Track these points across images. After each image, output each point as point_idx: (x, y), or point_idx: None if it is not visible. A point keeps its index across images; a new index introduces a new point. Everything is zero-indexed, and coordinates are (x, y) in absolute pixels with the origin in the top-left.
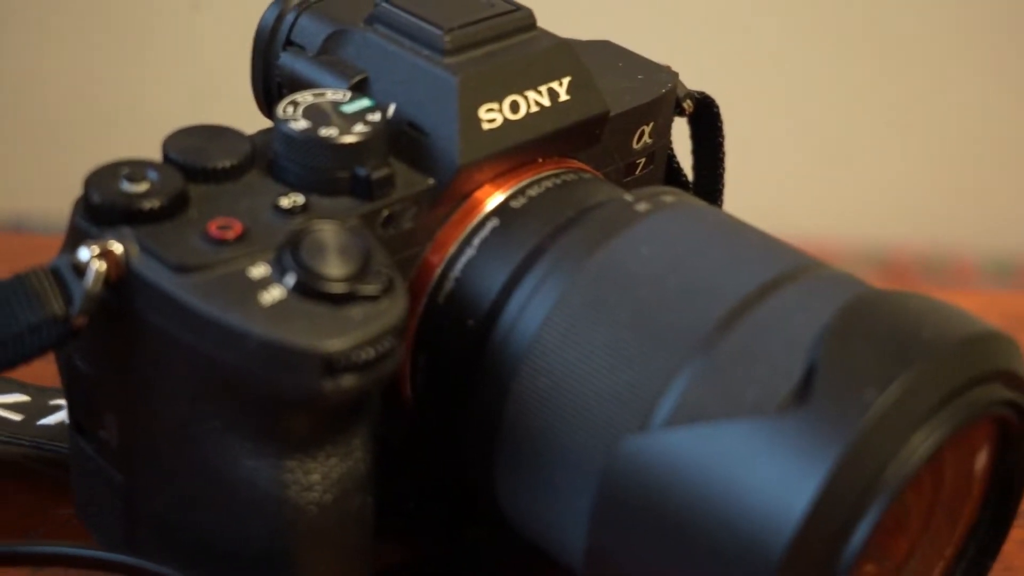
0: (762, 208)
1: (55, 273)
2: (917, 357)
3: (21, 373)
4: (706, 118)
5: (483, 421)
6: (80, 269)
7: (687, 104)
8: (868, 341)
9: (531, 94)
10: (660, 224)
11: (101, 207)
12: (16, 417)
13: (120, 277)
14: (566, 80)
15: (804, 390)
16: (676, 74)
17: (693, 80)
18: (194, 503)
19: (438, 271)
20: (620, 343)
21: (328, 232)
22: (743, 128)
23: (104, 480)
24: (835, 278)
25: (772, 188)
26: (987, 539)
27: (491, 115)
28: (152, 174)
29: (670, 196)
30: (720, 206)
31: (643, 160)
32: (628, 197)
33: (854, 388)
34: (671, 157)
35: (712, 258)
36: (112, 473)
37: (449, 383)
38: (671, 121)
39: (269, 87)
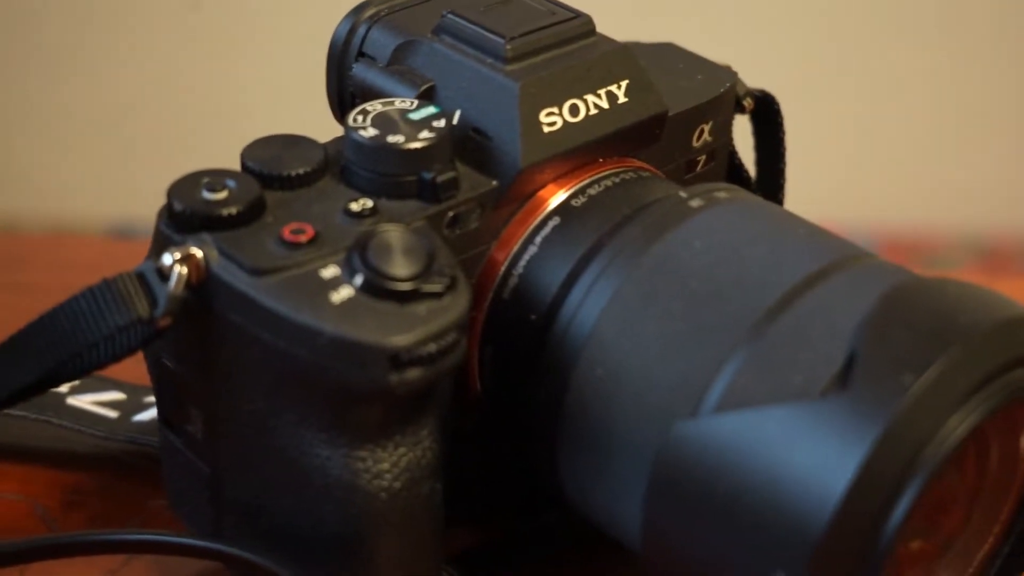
0: (845, 202)
1: (140, 277)
2: (953, 341)
3: (117, 372)
4: (767, 115)
5: (546, 410)
6: (164, 273)
7: (747, 102)
8: (907, 327)
9: (590, 97)
10: (712, 219)
11: (183, 214)
12: (113, 414)
13: (201, 280)
14: (624, 83)
15: (845, 375)
16: (735, 73)
17: (781, 80)
18: (273, 492)
19: (503, 268)
20: (672, 334)
21: (394, 234)
22: (825, 121)
23: (192, 471)
24: (880, 268)
25: (853, 182)
26: None
27: (551, 118)
28: (230, 183)
29: (723, 192)
30: (781, 202)
31: (703, 157)
32: (683, 194)
33: (893, 372)
34: (733, 154)
35: (761, 251)
36: (199, 465)
37: (514, 374)
38: (731, 119)
39: (343, 97)
